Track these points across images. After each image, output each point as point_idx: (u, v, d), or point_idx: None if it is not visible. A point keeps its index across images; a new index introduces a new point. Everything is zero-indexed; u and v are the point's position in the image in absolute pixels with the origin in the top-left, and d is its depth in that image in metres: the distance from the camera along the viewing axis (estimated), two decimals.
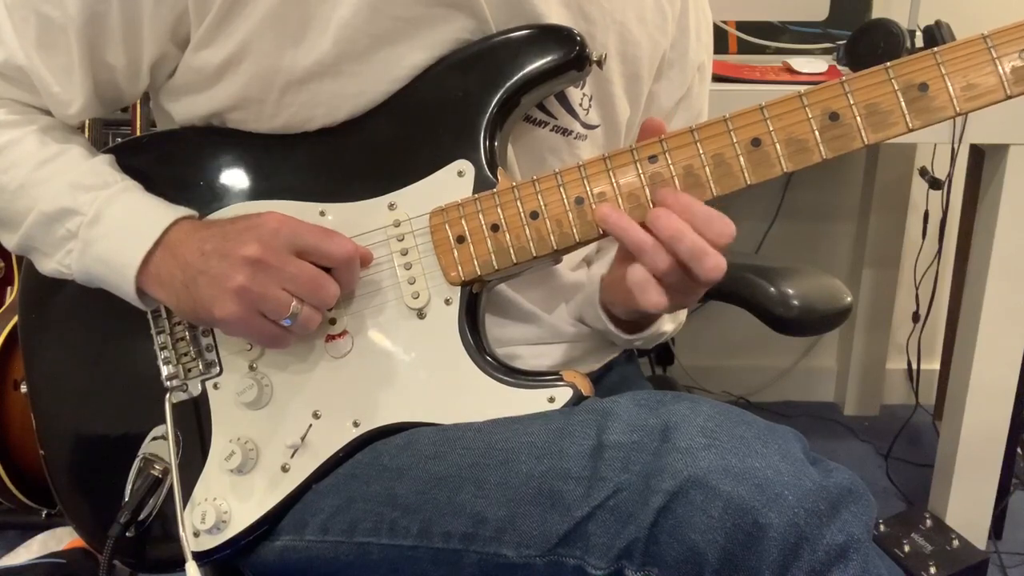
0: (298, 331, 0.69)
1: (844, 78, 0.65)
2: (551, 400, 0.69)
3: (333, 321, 0.73)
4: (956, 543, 1.54)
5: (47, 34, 0.72)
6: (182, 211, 0.72)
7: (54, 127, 0.77)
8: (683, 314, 0.92)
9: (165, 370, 0.76)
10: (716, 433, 0.60)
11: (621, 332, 0.82)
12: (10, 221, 0.75)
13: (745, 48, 1.69)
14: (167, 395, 0.75)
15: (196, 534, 0.73)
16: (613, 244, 0.79)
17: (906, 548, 1.53)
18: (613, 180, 0.69)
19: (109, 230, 0.71)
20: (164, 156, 0.79)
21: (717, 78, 1.39)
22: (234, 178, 0.76)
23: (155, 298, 0.72)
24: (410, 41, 0.72)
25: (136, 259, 0.70)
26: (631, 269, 0.67)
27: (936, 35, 1.43)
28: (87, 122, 1.27)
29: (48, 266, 0.75)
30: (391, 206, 0.73)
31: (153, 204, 0.73)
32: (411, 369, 0.72)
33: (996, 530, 1.71)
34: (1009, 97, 0.63)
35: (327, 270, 0.69)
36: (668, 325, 0.87)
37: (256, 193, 0.76)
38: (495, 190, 0.71)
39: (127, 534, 0.74)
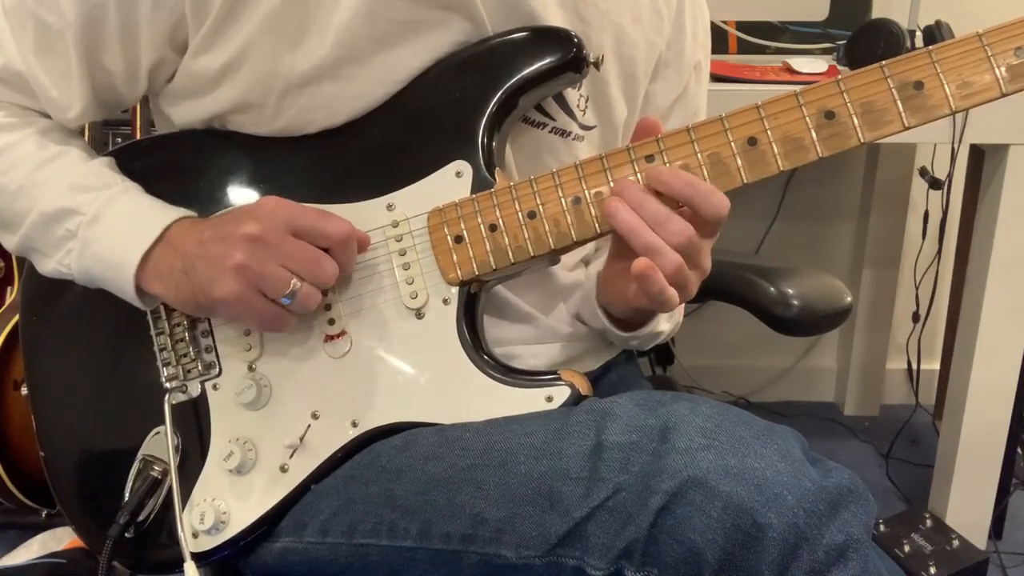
0: (297, 310, 0.68)
1: (840, 77, 0.65)
2: (549, 399, 0.69)
3: (332, 321, 0.73)
4: (956, 543, 1.54)
5: (45, 39, 0.72)
6: (181, 211, 0.73)
7: (53, 129, 0.77)
8: (680, 314, 0.92)
9: (164, 371, 0.76)
10: (715, 433, 0.60)
11: (618, 330, 0.82)
12: (10, 222, 0.75)
13: (745, 48, 1.69)
14: (166, 396, 0.75)
15: (195, 535, 0.73)
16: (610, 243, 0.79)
17: (906, 548, 1.53)
18: (610, 180, 0.69)
19: (108, 230, 0.71)
20: (164, 159, 0.79)
21: (717, 78, 1.40)
22: (233, 180, 0.76)
23: (154, 294, 0.72)
24: (408, 45, 0.72)
25: (135, 257, 0.70)
26: (636, 261, 0.66)
27: (936, 35, 1.43)
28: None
29: (47, 266, 0.75)
30: (389, 207, 0.73)
31: (153, 205, 0.73)
32: (409, 369, 0.72)
33: (996, 530, 1.71)
34: (1004, 95, 0.63)
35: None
36: (665, 325, 0.87)
37: (256, 195, 0.76)
38: (493, 190, 0.71)
39: (126, 535, 0.74)
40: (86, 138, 0.81)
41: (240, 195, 0.76)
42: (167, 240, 0.71)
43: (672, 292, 0.67)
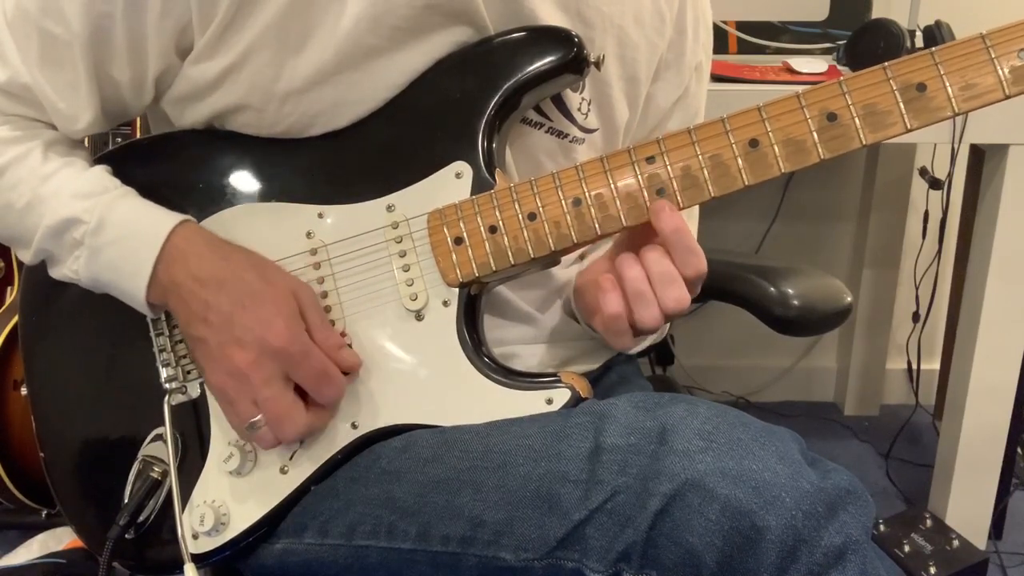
0: (256, 441, 0.71)
1: (842, 78, 0.65)
2: (549, 402, 0.69)
3: (332, 323, 0.73)
4: (956, 543, 1.54)
5: (51, 51, 0.72)
6: (178, 217, 0.72)
7: (58, 141, 0.77)
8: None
9: (164, 372, 0.76)
10: (713, 435, 0.60)
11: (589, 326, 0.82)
12: (21, 238, 0.75)
13: (745, 48, 1.69)
14: (166, 397, 0.75)
15: (195, 536, 0.73)
16: (608, 244, 0.79)
17: (906, 548, 1.53)
18: (611, 181, 0.69)
19: (114, 237, 0.71)
20: (165, 159, 0.79)
21: (717, 78, 1.40)
22: (233, 180, 0.76)
23: (160, 304, 0.73)
24: (411, 50, 0.72)
25: (145, 272, 0.70)
26: (610, 303, 0.68)
27: (936, 35, 1.43)
28: None
29: (59, 272, 0.75)
30: (389, 208, 0.73)
31: (150, 211, 0.73)
32: (409, 371, 0.72)
33: (996, 530, 1.71)
34: (1008, 97, 0.63)
35: None
36: None
37: (255, 195, 0.76)
38: (493, 191, 0.71)
39: (126, 536, 0.74)
40: (86, 139, 0.81)
41: (239, 195, 0.76)
42: (170, 250, 0.70)
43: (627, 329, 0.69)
